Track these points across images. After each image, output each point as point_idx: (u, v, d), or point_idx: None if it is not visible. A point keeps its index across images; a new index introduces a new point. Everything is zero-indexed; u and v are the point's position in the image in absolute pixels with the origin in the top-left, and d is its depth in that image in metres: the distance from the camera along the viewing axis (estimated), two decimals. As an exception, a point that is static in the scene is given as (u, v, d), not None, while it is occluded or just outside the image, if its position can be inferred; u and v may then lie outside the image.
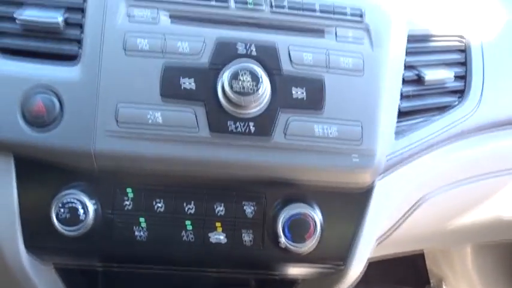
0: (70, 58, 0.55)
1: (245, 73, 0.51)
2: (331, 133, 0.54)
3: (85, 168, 0.54)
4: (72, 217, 0.53)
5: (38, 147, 0.53)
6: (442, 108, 0.64)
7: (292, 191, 0.58)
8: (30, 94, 0.53)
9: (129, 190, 0.56)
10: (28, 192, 0.56)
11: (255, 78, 0.51)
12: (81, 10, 0.56)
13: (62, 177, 0.55)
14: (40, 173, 0.56)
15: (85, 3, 0.56)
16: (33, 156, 0.54)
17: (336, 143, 0.54)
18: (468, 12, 0.72)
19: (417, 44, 0.64)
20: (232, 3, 0.57)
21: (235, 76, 0.51)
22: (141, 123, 0.53)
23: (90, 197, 0.54)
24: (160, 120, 0.53)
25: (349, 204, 0.59)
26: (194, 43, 0.54)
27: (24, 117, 0.53)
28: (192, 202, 0.57)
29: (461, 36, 0.68)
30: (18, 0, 0.56)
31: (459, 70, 0.66)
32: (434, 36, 0.66)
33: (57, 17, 0.55)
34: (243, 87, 0.51)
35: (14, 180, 0.55)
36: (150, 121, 0.53)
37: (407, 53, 0.62)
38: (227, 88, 0.51)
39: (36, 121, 0.52)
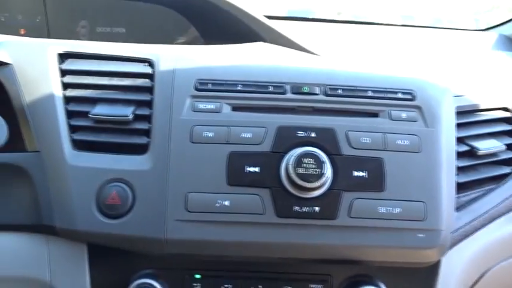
0: (139, 149, 0.59)
1: (309, 158, 0.54)
2: (394, 212, 0.55)
3: (156, 254, 0.56)
4: (144, 304, 0.54)
5: (111, 236, 0.55)
6: (498, 179, 0.65)
7: (358, 271, 0.58)
8: (105, 186, 0.56)
9: (197, 275, 0.57)
10: (100, 279, 0.57)
11: (319, 162, 0.54)
12: (149, 104, 0.61)
13: (133, 263, 0.57)
14: (112, 259, 0.58)
15: (152, 98, 0.60)
16: (105, 244, 0.56)
17: (400, 222, 0.55)
18: (509, 84, 0.75)
19: (465, 117, 0.66)
20: (288, 91, 0.60)
21: (299, 161, 0.54)
22: (209, 210, 0.55)
23: (161, 283, 0.56)
24: (228, 206, 0.55)
25: (417, 281, 0.58)
26: (256, 131, 0.57)
27: (99, 208, 0.55)
28: (260, 286, 0.57)
29: (506, 108, 0.70)
30: (92, 98, 0.61)
31: (508, 140, 0.67)
32: (480, 109, 0.68)
33: (126, 112, 0.59)
34: (308, 172, 0.53)
35: (87, 267, 0.57)
36: (218, 208, 0.55)
37: (457, 127, 0.64)
38: (292, 173, 0.53)
39: (111, 212, 0.55)
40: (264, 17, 0.90)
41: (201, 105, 0.59)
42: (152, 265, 0.57)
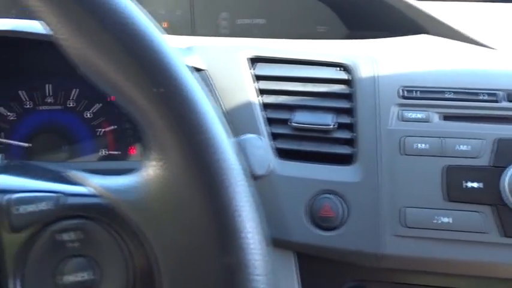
0: (341, 159, 0.58)
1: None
2: None
3: (367, 266, 0.55)
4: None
5: (324, 248, 0.55)
6: None
7: None
8: (317, 197, 0.56)
9: (407, 289, 0.57)
10: (309, 286, 0.58)
11: (553, 180, 0.50)
12: (349, 112, 0.59)
13: (340, 273, 0.58)
14: (319, 268, 0.58)
15: (353, 105, 0.59)
16: (316, 254, 0.57)
17: None
18: None
19: None
20: (502, 99, 0.56)
21: (531, 178, 0.50)
22: (427, 227, 0.53)
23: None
24: (446, 223, 0.53)
25: None
26: (473, 143, 0.54)
27: (312, 219, 0.55)
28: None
29: None
30: (290, 105, 0.61)
31: None
32: None
33: (328, 120, 0.58)
34: (541, 190, 0.50)
35: (296, 274, 0.58)
36: (436, 224, 0.53)
37: None
38: (523, 191, 0.50)
39: (324, 224, 0.55)
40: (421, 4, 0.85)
41: (409, 114, 0.56)
42: (359, 276, 0.57)
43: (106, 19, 0.25)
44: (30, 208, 0.26)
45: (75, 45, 0.25)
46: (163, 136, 0.26)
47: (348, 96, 0.60)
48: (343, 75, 0.61)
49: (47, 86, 0.72)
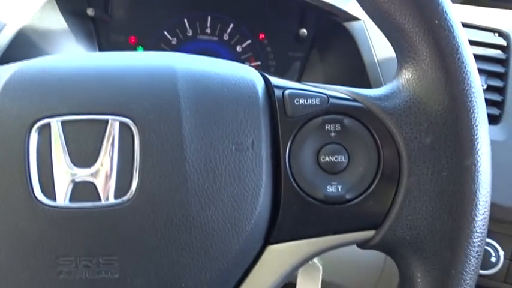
0: (489, 119, 0.61)
1: None
2: None
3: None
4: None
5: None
6: None
7: None
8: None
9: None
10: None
11: None
12: (500, 76, 0.62)
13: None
14: None
15: (506, 70, 0.62)
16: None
17: None
18: None
19: None
20: None
21: None
22: None
23: None
24: None
25: None
26: None
27: None
28: None
29: None
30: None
31: None
32: None
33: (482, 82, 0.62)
34: None
35: None
36: None
37: None
38: None
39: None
40: None
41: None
42: None
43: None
44: (303, 101, 0.34)
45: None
46: (425, 57, 0.32)
47: (501, 61, 0.63)
48: (500, 41, 0.64)
49: (208, 17, 0.80)
